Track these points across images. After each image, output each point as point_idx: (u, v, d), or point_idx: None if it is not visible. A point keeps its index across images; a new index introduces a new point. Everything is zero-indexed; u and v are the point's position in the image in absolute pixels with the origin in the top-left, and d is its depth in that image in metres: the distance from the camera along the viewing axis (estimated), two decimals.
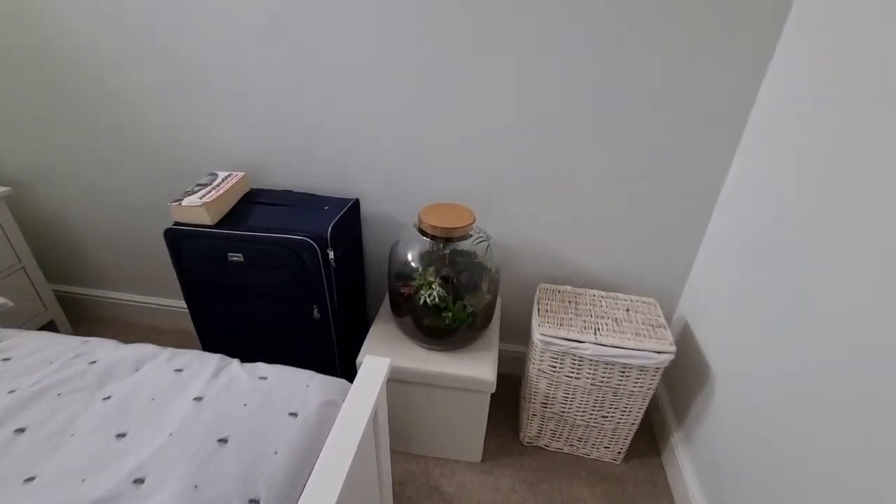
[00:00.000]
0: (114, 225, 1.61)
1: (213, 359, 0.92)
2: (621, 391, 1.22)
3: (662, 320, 1.24)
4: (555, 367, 1.22)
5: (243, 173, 1.30)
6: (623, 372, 1.18)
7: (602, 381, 1.21)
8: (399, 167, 1.33)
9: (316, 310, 1.22)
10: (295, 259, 1.15)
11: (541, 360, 1.23)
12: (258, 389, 0.86)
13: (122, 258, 1.68)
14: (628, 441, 1.33)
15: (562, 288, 1.35)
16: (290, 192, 1.34)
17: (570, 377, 1.23)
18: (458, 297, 1.19)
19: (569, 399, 1.27)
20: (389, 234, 1.45)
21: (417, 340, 1.24)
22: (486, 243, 1.22)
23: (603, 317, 1.25)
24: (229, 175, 1.29)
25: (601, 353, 1.15)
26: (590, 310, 1.27)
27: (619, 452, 1.36)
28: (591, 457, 1.39)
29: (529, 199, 1.32)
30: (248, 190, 1.33)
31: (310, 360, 1.31)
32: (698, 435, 1.22)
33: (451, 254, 1.22)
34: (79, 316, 1.83)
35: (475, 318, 1.20)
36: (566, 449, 1.40)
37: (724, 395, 1.12)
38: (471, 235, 1.18)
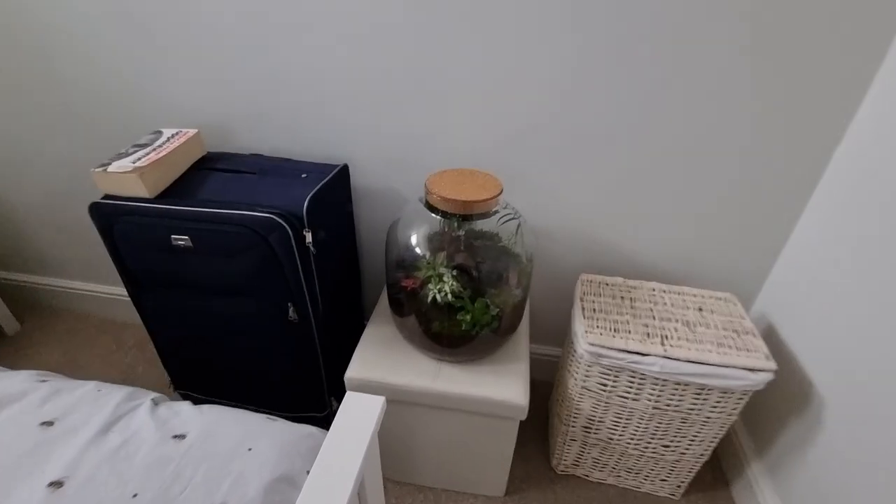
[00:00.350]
0: (52, 200, 1.32)
1: (112, 400, 0.63)
2: (693, 417, 0.92)
3: (748, 323, 0.93)
4: (605, 386, 0.93)
5: (196, 131, 0.99)
6: (699, 395, 0.89)
7: (669, 405, 0.91)
8: (401, 123, 1.02)
9: (292, 309, 0.93)
10: (261, 243, 0.85)
11: (586, 376, 0.93)
12: (165, 461, 0.56)
13: (66, 240, 1.40)
14: (692, 474, 1.04)
15: (611, 280, 1.05)
16: (258, 156, 1.03)
17: (626, 398, 0.93)
18: (477, 292, 0.89)
19: (621, 424, 0.98)
20: (390, 212, 1.14)
21: (424, 349, 0.95)
22: (515, 222, 0.91)
23: (669, 319, 0.94)
24: (177, 133, 0.98)
25: (672, 370, 0.85)
26: (650, 309, 0.97)
27: (679, 486, 1.08)
28: (642, 490, 1.11)
29: (570, 167, 1.01)
30: (203, 154, 1.02)
31: (289, 374, 1.03)
32: (793, 468, 0.93)
33: (469, 236, 0.92)
34: (24, 306, 1.56)
35: (500, 320, 0.90)
36: (610, 480, 1.12)
37: (834, 418, 0.82)
38: (496, 212, 0.88)
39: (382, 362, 0.93)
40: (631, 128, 0.94)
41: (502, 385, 0.90)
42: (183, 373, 1.14)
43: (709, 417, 0.92)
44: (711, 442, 0.97)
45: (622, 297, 1.00)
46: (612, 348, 0.87)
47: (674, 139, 0.93)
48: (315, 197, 0.90)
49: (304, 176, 0.97)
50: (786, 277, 1.02)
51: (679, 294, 1.02)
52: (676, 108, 0.90)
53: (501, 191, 0.85)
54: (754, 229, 1.01)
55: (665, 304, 0.99)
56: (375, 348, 0.97)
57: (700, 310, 0.97)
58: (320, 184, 0.93)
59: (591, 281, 1.05)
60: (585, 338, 0.89)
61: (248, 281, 0.90)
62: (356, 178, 1.10)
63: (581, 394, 0.96)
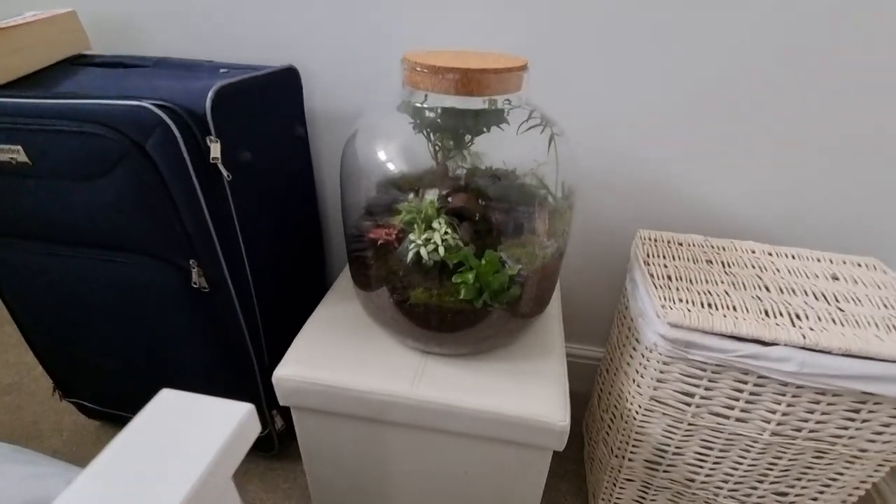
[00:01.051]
0: None
1: None
2: (837, 450, 0.57)
3: None
4: (691, 396, 0.58)
5: (69, 10, 0.68)
6: (856, 411, 0.53)
7: (800, 429, 0.56)
8: (381, 14, 0.69)
9: (196, 271, 0.60)
10: (132, 154, 0.52)
11: (659, 381, 0.58)
12: None
13: None
14: None
15: (684, 237, 0.70)
16: (165, 58, 0.71)
17: (726, 416, 0.58)
18: (485, 244, 0.56)
19: (711, 458, 0.62)
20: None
21: (401, 335, 0.60)
22: (545, 130, 0.58)
23: (794, 291, 0.59)
24: (38, 14, 0.67)
25: (819, 369, 0.50)
26: (758, 277, 0.62)
27: None
28: None
29: (620, 66, 0.67)
30: (82, 51, 0.70)
31: (206, 373, 0.69)
32: None
33: (473, 174, 0.59)
34: None
35: (523, 289, 0.56)
36: None
37: None
38: (510, 108, 0.54)
39: (335, 355, 0.59)
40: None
41: (526, 394, 0.55)
42: (69, 373, 0.80)
43: (864, 450, 0.56)
44: (856, 489, 0.60)
45: (708, 262, 0.65)
46: (709, 332, 0.52)
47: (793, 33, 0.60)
48: (230, 91, 0.57)
49: (223, 71, 0.64)
50: None
51: (796, 258, 0.67)
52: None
53: (526, 64, 0.51)
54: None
55: (778, 270, 0.64)
56: (327, 334, 0.62)
57: (835, 278, 0.62)
58: (242, 77, 0.60)
59: (654, 239, 0.70)
60: (663, 315, 0.54)
61: (118, 221, 0.57)
62: (315, 98, 0.78)
63: (648, 409, 0.61)
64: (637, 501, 0.72)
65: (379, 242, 0.60)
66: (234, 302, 0.64)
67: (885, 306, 0.57)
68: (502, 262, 0.55)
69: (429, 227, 0.57)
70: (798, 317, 0.54)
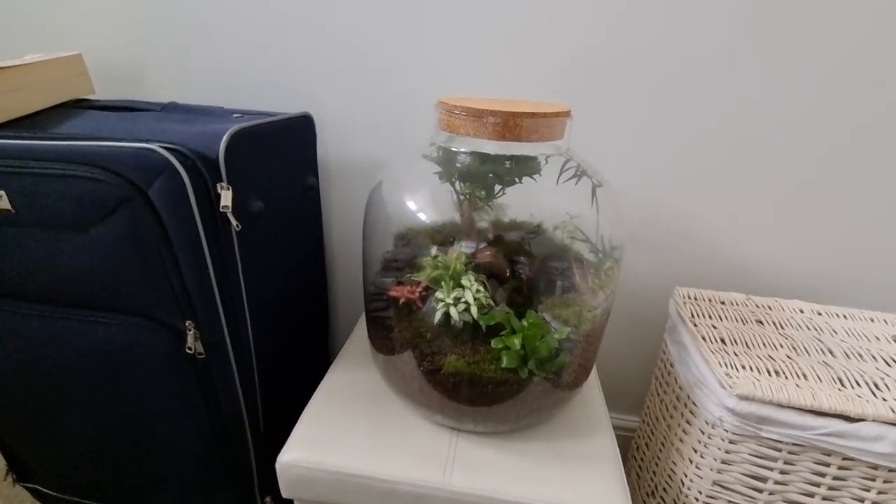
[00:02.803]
0: None
1: None
2: None
3: None
4: (763, 482, 0.50)
5: (75, 53, 0.64)
6: None
7: None
8: (394, 63, 0.68)
9: (193, 333, 0.52)
10: (132, 201, 0.46)
11: (724, 462, 0.51)
12: None
13: None
14: None
15: (725, 296, 0.65)
16: (175, 103, 0.67)
17: (802, 502, 0.50)
18: (517, 304, 0.50)
19: None
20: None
21: (428, 409, 0.52)
22: (580, 180, 0.54)
23: (860, 356, 0.54)
24: (41, 56, 0.63)
25: None
26: (817, 339, 0.57)
27: None
28: None
29: (655, 116, 0.65)
30: (85, 95, 0.66)
31: (192, 454, 0.59)
32: None
33: (497, 227, 0.55)
34: None
35: (571, 357, 0.49)
36: None
37: None
38: (549, 154, 0.51)
39: (351, 435, 0.51)
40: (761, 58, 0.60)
41: (578, 481, 0.47)
42: (29, 454, 0.69)
43: None
44: None
45: (759, 322, 0.60)
46: (785, 405, 0.46)
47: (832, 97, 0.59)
48: (245, 136, 0.53)
49: (236, 116, 0.60)
50: None
51: (849, 318, 0.62)
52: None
53: (570, 111, 0.48)
54: None
55: (836, 332, 0.59)
56: (339, 409, 0.54)
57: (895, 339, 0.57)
58: (259, 122, 0.56)
59: (694, 297, 0.65)
60: (729, 386, 0.48)
61: (108, 276, 0.49)
62: (327, 147, 0.74)
63: (711, 496, 0.53)
64: None
65: (401, 301, 0.54)
66: (232, 369, 0.55)
67: None
68: (545, 327, 0.49)
69: (458, 285, 0.51)
70: (878, 386, 0.48)
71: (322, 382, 0.58)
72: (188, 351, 0.53)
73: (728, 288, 0.72)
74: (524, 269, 0.54)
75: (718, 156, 0.66)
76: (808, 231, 0.68)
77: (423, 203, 0.55)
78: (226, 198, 0.49)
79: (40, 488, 0.71)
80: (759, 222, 0.69)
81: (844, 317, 0.62)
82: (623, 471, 0.48)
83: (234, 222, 0.50)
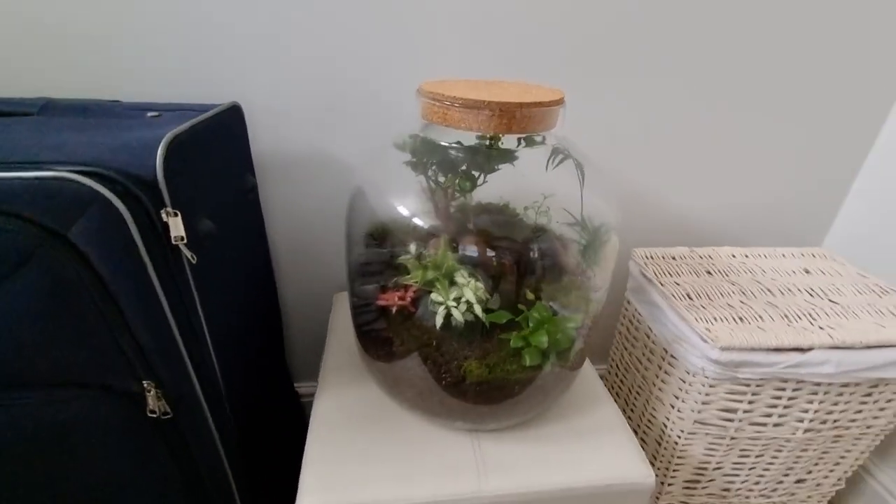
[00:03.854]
0: None
1: None
2: (850, 431, 0.61)
3: (874, 280, 0.66)
4: (734, 412, 0.58)
5: None
6: (868, 395, 0.58)
7: (826, 421, 0.59)
8: (333, 38, 0.59)
9: (155, 393, 0.42)
10: (46, 250, 0.34)
11: (704, 403, 0.57)
12: None
13: None
14: None
15: (675, 251, 0.72)
16: (54, 100, 0.51)
17: (764, 424, 0.59)
18: (512, 291, 0.49)
19: (747, 465, 0.63)
20: (324, 191, 0.69)
21: (441, 417, 0.50)
22: (558, 161, 0.53)
23: (791, 290, 0.64)
24: None
25: (852, 366, 0.53)
26: (757, 282, 0.65)
27: None
28: None
29: (588, 94, 0.67)
30: None
31: None
32: None
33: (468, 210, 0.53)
34: None
35: (582, 343, 0.50)
36: None
37: None
38: (540, 141, 0.49)
39: (366, 466, 0.47)
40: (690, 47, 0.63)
41: (600, 455, 0.49)
42: None
43: (870, 426, 0.62)
44: (857, 461, 0.67)
45: (708, 272, 0.67)
46: (757, 348, 0.53)
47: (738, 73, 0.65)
48: (182, 143, 0.42)
49: (152, 115, 0.48)
50: (863, 217, 0.79)
51: (768, 257, 0.72)
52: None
53: (563, 97, 0.46)
54: (814, 173, 0.77)
55: (765, 272, 0.68)
56: (344, 441, 0.49)
57: (807, 272, 0.68)
58: (190, 122, 0.45)
59: (651, 256, 0.70)
60: (712, 340, 0.53)
61: (30, 346, 0.37)
62: (259, 140, 0.63)
63: (692, 433, 0.60)
64: None
65: (394, 309, 0.51)
66: (208, 424, 0.47)
67: (860, 292, 0.64)
68: (554, 314, 0.49)
69: (453, 283, 0.48)
70: (812, 317, 0.57)
71: (313, 414, 0.52)
72: (151, 415, 0.43)
73: (670, 242, 0.79)
74: (505, 255, 0.53)
75: (647, 124, 0.70)
76: (722, 183, 0.77)
77: (399, 199, 0.50)
78: (176, 226, 0.39)
79: None
80: (688, 180, 0.75)
81: (765, 256, 0.72)
82: (633, 435, 0.52)
83: (188, 254, 0.41)
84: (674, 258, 0.70)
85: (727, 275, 0.67)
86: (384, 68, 0.62)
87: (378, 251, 0.55)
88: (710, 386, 0.56)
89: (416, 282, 0.49)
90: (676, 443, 0.61)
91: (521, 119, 0.42)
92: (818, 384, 0.55)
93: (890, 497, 0.75)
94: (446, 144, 0.46)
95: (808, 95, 0.71)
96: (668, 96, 0.68)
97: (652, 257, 0.70)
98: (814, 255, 0.73)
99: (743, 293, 0.62)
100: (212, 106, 0.52)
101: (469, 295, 0.47)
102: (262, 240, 0.65)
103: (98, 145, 0.39)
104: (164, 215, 0.39)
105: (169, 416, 0.44)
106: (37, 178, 0.33)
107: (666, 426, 0.62)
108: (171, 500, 0.49)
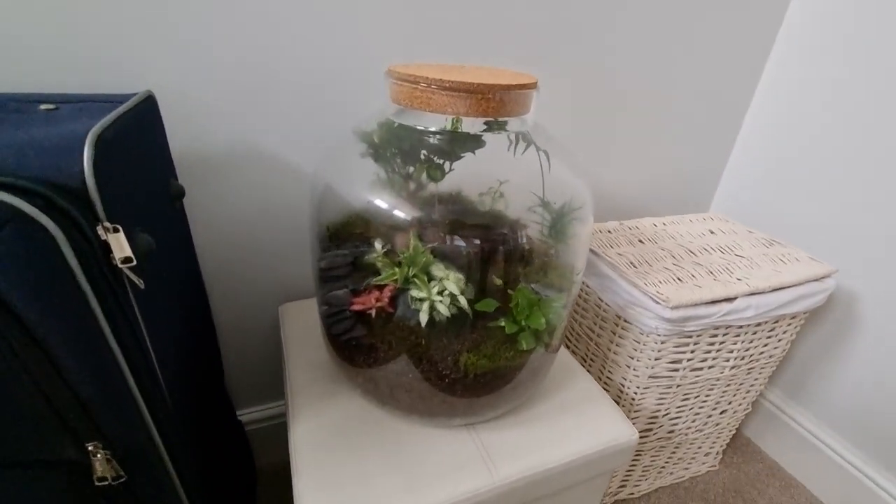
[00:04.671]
0: None
1: None
2: (760, 362, 0.73)
3: (761, 234, 0.80)
4: (679, 363, 0.65)
5: None
6: (772, 330, 0.70)
7: (744, 357, 0.70)
8: (257, 17, 0.51)
9: (103, 455, 0.34)
10: None
11: (657, 359, 0.63)
12: None
13: None
14: (732, 433, 0.87)
15: (610, 226, 0.78)
16: None
17: (701, 369, 0.67)
18: (475, 279, 0.50)
19: (687, 407, 0.72)
20: (259, 193, 0.61)
21: (449, 416, 0.48)
22: (518, 146, 0.54)
23: (707, 250, 0.73)
24: None
25: (765, 308, 0.63)
26: (681, 246, 0.74)
27: (718, 453, 0.89)
28: (688, 475, 0.89)
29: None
30: None
31: None
32: (818, 386, 0.83)
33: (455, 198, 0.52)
34: None
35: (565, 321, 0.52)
36: (658, 482, 0.85)
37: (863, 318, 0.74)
38: (510, 129, 0.49)
39: (371, 485, 0.43)
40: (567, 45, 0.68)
41: (590, 424, 0.52)
42: None
43: (772, 355, 0.74)
44: (762, 386, 0.80)
45: (640, 241, 0.74)
46: (699, 304, 0.60)
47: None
48: (112, 141, 0.33)
49: (45, 108, 0.37)
50: (743, 181, 0.94)
51: (679, 223, 0.82)
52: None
53: (537, 80, 0.46)
54: (697, 147, 0.89)
55: (682, 236, 0.77)
56: (337, 462, 0.45)
57: (712, 233, 0.79)
58: (113, 116, 0.36)
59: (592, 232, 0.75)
60: (664, 301, 0.59)
61: None
62: (176, 136, 0.54)
63: (646, 387, 0.66)
64: (627, 471, 0.78)
65: (373, 314, 0.48)
66: (172, 480, 0.39)
67: (753, 246, 0.75)
68: (535, 298, 0.50)
69: (428, 278, 0.47)
70: (729, 271, 0.67)
71: (292, 439, 0.47)
72: (98, 484, 0.34)
73: (603, 219, 0.85)
74: (478, 243, 0.53)
75: (584, 107, 0.75)
76: (636, 162, 0.85)
77: (358, 194, 0.47)
78: (119, 245, 0.31)
79: None
80: (612, 159, 0.82)
81: (677, 223, 0.82)
82: (613, 402, 0.55)
83: (135, 279, 0.33)
84: (609, 232, 0.76)
85: (656, 242, 0.74)
86: (319, 48, 0.56)
87: (342, 252, 0.51)
88: (662, 343, 0.62)
89: (395, 280, 0.46)
90: (633, 399, 0.67)
91: (507, 102, 0.41)
92: (741, 327, 0.65)
93: (779, 412, 0.91)
94: (423, 129, 0.44)
95: (686, 89, 0.81)
96: (587, 89, 0.73)
97: (593, 232, 0.75)
98: (711, 219, 0.85)
99: (673, 257, 0.70)
100: (121, 96, 0.43)
101: (452, 287, 0.46)
102: (190, 250, 0.56)
103: (20, 140, 0.29)
104: (101, 232, 0.31)
105: (123, 480, 0.36)
106: None
107: (623, 385, 0.68)
108: None
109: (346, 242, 0.51)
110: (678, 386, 0.67)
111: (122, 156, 0.36)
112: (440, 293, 0.46)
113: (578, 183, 0.50)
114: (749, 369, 0.73)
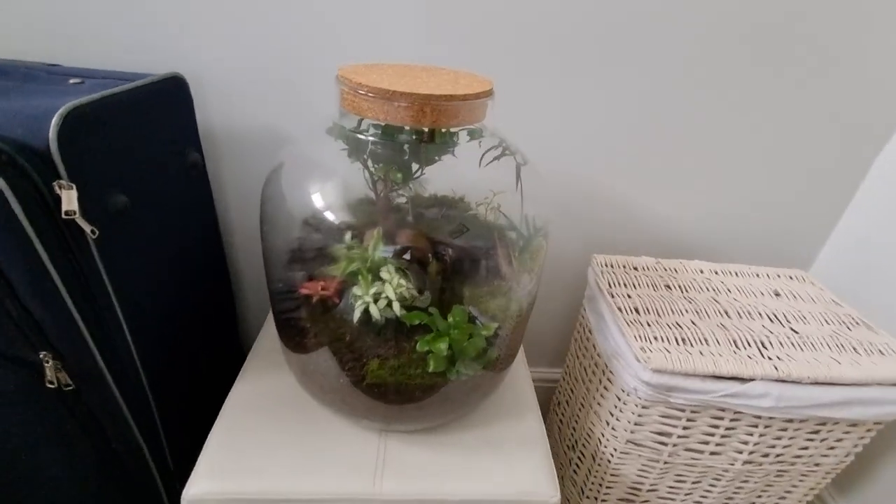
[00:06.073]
0: None
1: None
2: (796, 468, 0.58)
3: (848, 309, 0.62)
4: (668, 437, 0.55)
5: None
6: (816, 432, 0.54)
7: (767, 455, 0.56)
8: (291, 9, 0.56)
9: (52, 365, 0.42)
10: None
11: (637, 425, 0.55)
12: None
13: None
14: None
15: (637, 261, 0.68)
16: (13, 62, 0.50)
17: (700, 452, 0.56)
18: (443, 290, 0.47)
19: (682, 491, 0.61)
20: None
21: (351, 414, 0.49)
22: (502, 158, 0.50)
23: (750, 313, 0.60)
24: None
25: (794, 401, 0.50)
26: (714, 300, 0.61)
27: None
28: None
29: (564, 87, 0.62)
30: None
31: (97, 497, 0.51)
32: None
33: (419, 203, 0.51)
34: None
35: (498, 345, 0.48)
36: None
37: None
38: (473, 137, 0.46)
39: (267, 452, 0.46)
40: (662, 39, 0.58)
41: (508, 467, 0.47)
42: None
43: (818, 464, 0.58)
44: (806, 496, 0.63)
45: (667, 287, 0.64)
46: (692, 374, 0.50)
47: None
48: (89, 113, 0.41)
49: (74, 82, 0.47)
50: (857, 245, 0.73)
51: (739, 275, 0.68)
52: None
53: (492, 89, 0.43)
54: (805, 190, 0.71)
55: (730, 291, 0.64)
56: (251, 424, 0.49)
57: (777, 294, 0.64)
58: (101, 94, 0.43)
59: (610, 265, 0.67)
60: (644, 360, 0.50)
61: None
62: (212, 115, 0.62)
63: (624, 452, 0.57)
64: None
65: (314, 299, 0.49)
66: (114, 395, 0.47)
67: (827, 322, 0.59)
68: (473, 319, 0.47)
69: (377, 278, 0.47)
70: (763, 345, 0.54)
71: (230, 395, 0.52)
72: (49, 385, 0.43)
73: (641, 251, 0.75)
74: (447, 251, 0.51)
75: (627, 126, 0.66)
76: (704, 196, 0.72)
77: (327, 186, 0.48)
78: (69, 200, 0.38)
79: None
80: (665, 188, 0.71)
81: (736, 274, 0.68)
82: (549, 450, 0.50)
83: (87, 228, 0.40)
84: (635, 268, 0.67)
85: (687, 291, 0.63)
86: (338, 46, 0.59)
87: (311, 238, 0.54)
88: (643, 407, 0.53)
89: (341, 272, 0.48)
90: (609, 461, 0.59)
91: (433, 112, 0.39)
92: (759, 417, 0.52)
93: None
94: (356, 133, 0.44)
95: (818, 95, 0.65)
96: (644, 90, 0.64)
97: (612, 265, 0.67)
98: (791, 278, 0.68)
99: (696, 312, 0.59)
100: (143, 75, 0.51)
101: (389, 292, 0.45)
102: (208, 217, 0.64)
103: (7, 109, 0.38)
104: (56, 188, 0.38)
105: (71, 388, 0.44)
106: None
107: (601, 442, 0.60)
108: (83, 471, 0.49)
109: (320, 230, 0.54)
110: (666, 463, 0.57)
111: (107, 127, 0.43)
112: (377, 295, 0.46)
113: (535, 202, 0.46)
114: (780, 472, 0.58)
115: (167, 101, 0.53)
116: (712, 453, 0.56)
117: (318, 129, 0.49)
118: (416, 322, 0.45)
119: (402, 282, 0.46)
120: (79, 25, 0.55)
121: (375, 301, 0.45)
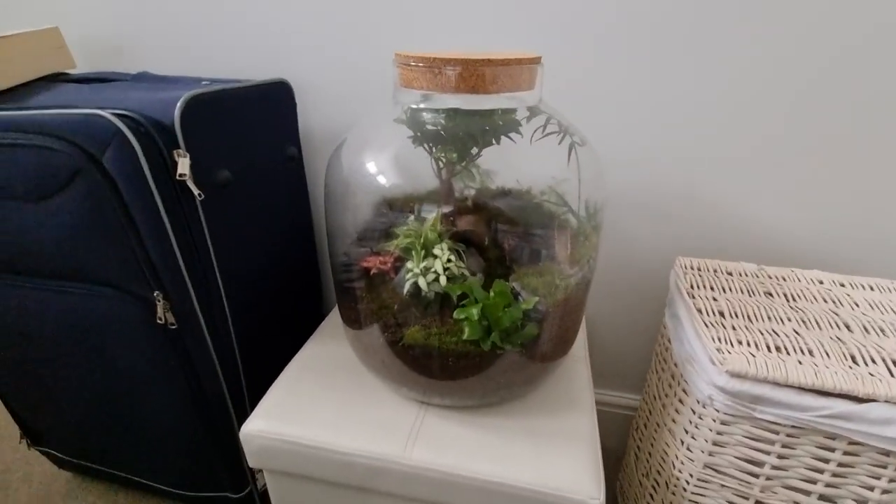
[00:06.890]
0: None
1: None
2: None
3: None
4: (759, 465, 0.45)
5: (54, 26, 0.64)
6: None
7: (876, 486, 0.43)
8: (390, 26, 0.64)
9: (162, 304, 0.52)
10: (87, 170, 0.45)
11: (716, 444, 0.46)
12: None
13: None
14: None
15: (734, 266, 0.59)
16: (146, 73, 0.66)
17: (807, 491, 0.45)
18: (497, 276, 0.47)
19: None
20: None
21: (395, 382, 0.50)
22: (563, 139, 0.49)
23: (875, 329, 0.48)
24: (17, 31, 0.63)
25: None
26: (830, 312, 0.50)
27: None
28: None
29: (651, 67, 0.59)
30: (65, 69, 0.66)
31: (178, 425, 0.61)
32: None
33: (484, 194, 0.52)
34: None
35: (541, 327, 0.46)
36: None
37: None
38: (521, 109, 0.47)
39: (316, 407, 0.49)
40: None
41: (548, 459, 0.44)
42: (33, 419, 0.72)
43: None
44: None
45: (768, 294, 0.54)
46: (782, 384, 0.41)
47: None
48: (205, 101, 0.51)
49: (204, 83, 0.59)
50: None
51: (876, 289, 0.55)
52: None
53: (540, 58, 0.43)
54: None
55: (857, 305, 0.52)
56: (309, 381, 0.53)
57: None
58: (215, 88, 0.54)
59: (697, 268, 0.59)
60: (719, 361, 0.43)
61: (72, 246, 0.49)
62: (311, 115, 0.72)
63: (703, 479, 0.49)
64: None
65: (372, 272, 0.52)
66: (206, 341, 0.55)
67: None
68: (515, 295, 0.45)
69: (429, 255, 0.48)
70: (894, 363, 0.42)
71: (298, 354, 0.57)
72: (159, 321, 0.52)
73: (741, 258, 0.65)
74: (505, 238, 0.51)
75: (722, 116, 0.59)
76: (830, 195, 0.60)
77: (390, 167, 0.52)
78: (183, 165, 0.48)
79: (54, 452, 0.75)
80: (775, 187, 0.61)
81: (870, 288, 0.55)
82: (599, 452, 0.45)
83: (195, 191, 0.49)
84: (729, 273, 0.58)
85: (794, 300, 0.53)
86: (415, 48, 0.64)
87: (380, 219, 0.58)
88: (723, 423, 0.45)
89: (395, 248, 0.51)
90: (685, 489, 0.51)
91: (472, 77, 0.40)
92: (886, 453, 0.41)
93: None
94: (417, 108, 0.47)
95: None
96: (766, 70, 0.57)
97: (699, 268, 0.59)
98: None
99: (804, 322, 0.49)
100: (256, 81, 0.61)
101: (438, 266, 0.47)
102: (301, 202, 0.73)
103: (146, 99, 0.50)
104: (175, 155, 0.47)
105: (175, 327, 0.53)
106: (83, 115, 0.44)
107: (674, 466, 0.52)
108: (177, 399, 0.58)
109: (390, 212, 0.58)
110: (759, 501, 0.47)
111: (220, 114, 0.53)
112: (426, 269, 0.48)
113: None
114: None
115: (273, 100, 0.64)
116: (822, 497, 0.44)
117: (383, 114, 0.54)
118: (458, 293, 0.45)
119: (453, 259, 0.47)
120: (212, 47, 0.70)
121: (424, 275, 0.47)
